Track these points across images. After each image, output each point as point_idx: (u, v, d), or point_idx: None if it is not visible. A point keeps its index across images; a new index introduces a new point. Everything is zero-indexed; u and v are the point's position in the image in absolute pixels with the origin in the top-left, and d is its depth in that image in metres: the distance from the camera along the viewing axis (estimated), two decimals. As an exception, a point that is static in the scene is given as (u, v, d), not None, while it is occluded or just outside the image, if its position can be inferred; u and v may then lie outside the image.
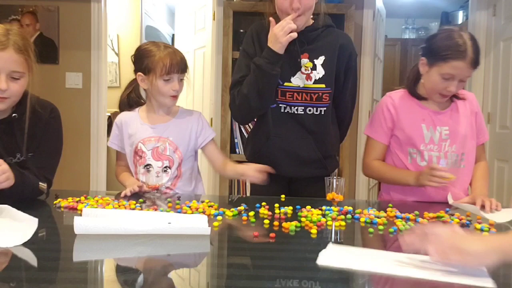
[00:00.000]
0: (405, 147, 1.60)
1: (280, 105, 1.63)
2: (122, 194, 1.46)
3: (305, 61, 1.60)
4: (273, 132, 1.64)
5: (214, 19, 3.19)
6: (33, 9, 3.34)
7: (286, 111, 1.63)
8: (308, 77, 1.60)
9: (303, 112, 1.62)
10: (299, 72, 1.60)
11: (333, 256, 0.87)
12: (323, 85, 1.60)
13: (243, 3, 2.98)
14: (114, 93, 4.38)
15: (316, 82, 1.60)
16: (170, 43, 5.57)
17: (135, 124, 1.64)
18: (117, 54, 4.67)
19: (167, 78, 1.54)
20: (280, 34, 1.47)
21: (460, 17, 4.96)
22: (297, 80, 1.60)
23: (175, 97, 1.59)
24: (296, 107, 1.62)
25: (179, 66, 1.55)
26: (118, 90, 4.60)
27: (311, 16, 1.62)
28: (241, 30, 2.96)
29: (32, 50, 1.29)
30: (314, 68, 1.60)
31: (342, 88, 1.69)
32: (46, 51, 3.30)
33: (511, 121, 2.93)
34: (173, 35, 5.25)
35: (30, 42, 1.30)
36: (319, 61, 1.61)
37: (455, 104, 1.61)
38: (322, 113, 1.63)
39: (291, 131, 1.64)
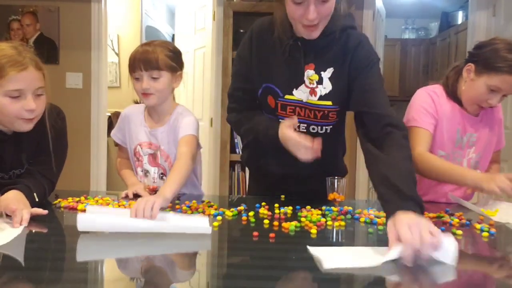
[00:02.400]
0: (436, 148, 1.56)
1: (280, 120, 1.36)
2: (123, 195, 1.46)
3: (310, 73, 1.32)
4: (271, 150, 1.43)
5: (214, 19, 3.19)
6: (33, 9, 3.34)
7: None
8: (313, 91, 1.33)
9: (305, 130, 1.37)
10: (303, 85, 1.33)
11: (335, 258, 0.87)
12: (330, 103, 1.33)
13: (243, 3, 2.98)
14: (114, 93, 4.39)
15: (321, 98, 1.33)
16: (170, 43, 5.57)
17: (137, 123, 1.60)
18: (117, 54, 4.68)
19: (137, 77, 1.49)
20: (300, 152, 1.22)
21: (460, 17, 4.97)
22: (300, 94, 1.34)
23: (146, 96, 1.50)
24: (298, 124, 1.35)
25: (143, 63, 1.46)
26: (118, 90, 4.61)
27: None
28: (241, 30, 2.96)
29: (43, 63, 1.27)
30: (320, 82, 1.32)
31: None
32: (46, 51, 3.30)
33: (511, 121, 2.93)
34: (173, 35, 5.25)
35: (36, 54, 1.28)
36: (327, 73, 1.32)
37: (485, 111, 1.58)
38: (328, 131, 1.39)
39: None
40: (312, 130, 1.38)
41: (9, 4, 3.34)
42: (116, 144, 1.71)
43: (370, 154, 1.19)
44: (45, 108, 1.29)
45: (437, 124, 1.55)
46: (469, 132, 1.57)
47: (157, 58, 1.46)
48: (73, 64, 3.37)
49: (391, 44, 5.38)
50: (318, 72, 1.33)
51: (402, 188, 1.00)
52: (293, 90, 1.35)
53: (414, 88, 6.32)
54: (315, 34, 1.24)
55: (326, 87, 1.33)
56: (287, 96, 1.35)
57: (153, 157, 1.57)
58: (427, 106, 1.55)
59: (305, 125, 1.38)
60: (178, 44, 3.88)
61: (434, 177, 1.50)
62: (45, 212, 1.14)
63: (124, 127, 1.64)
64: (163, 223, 1.04)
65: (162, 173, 1.57)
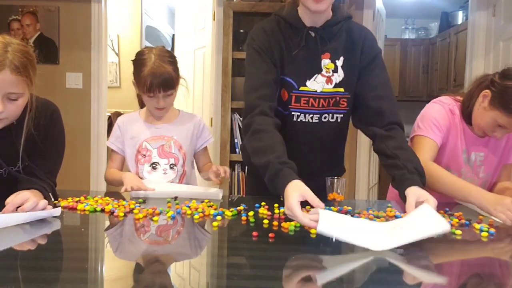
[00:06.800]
0: (444, 166, 1.54)
1: (293, 113, 1.42)
2: (123, 190, 1.47)
3: (326, 62, 1.39)
4: None
5: (214, 19, 3.19)
6: (33, 9, 3.34)
7: (299, 119, 1.43)
8: (329, 80, 1.39)
9: (318, 121, 1.43)
10: (319, 75, 1.39)
11: (331, 225, 0.96)
12: (342, 89, 1.41)
13: (243, 3, 2.98)
14: (114, 93, 4.40)
15: (335, 86, 1.41)
16: (170, 43, 5.57)
17: (138, 125, 1.67)
18: (117, 54, 4.68)
19: (151, 95, 1.56)
20: (291, 214, 1.05)
21: (460, 17, 4.97)
22: (314, 84, 1.39)
23: (161, 110, 1.62)
24: (311, 115, 1.42)
25: (160, 86, 1.53)
26: (118, 90, 4.61)
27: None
28: (241, 30, 2.96)
29: (33, 65, 1.24)
30: (335, 70, 1.40)
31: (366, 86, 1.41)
32: (46, 51, 3.31)
33: (511, 121, 2.93)
34: (173, 35, 5.25)
35: (31, 56, 1.24)
36: (340, 62, 1.41)
37: None
38: (339, 120, 1.45)
39: (302, 143, 1.45)
40: (323, 119, 1.44)
41: (9, 4, 3.34)
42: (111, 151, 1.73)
43: (380, 135, 1.35)
44: (33, 108, 1.28)
45: (446, 141, 1.53)
46: (475, 152, 1.55)
47: (172, 78, 1.55)
48: (73, 64, 3.38)
49: (391, 44, 5.38)
50: (333, 61, 1.40)
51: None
52: (307, 81, 1.39)
53: (414, 88, 6.33)
54: (322, 6, 1.29)
55: (340, 75, 1.40)
56: (301, 88, 1.39)
57: (163, 148, 1.64)
58: (441, 120, 1.51)
59: (318, 115, 1.43)
60: (178, 44, 3.89)
61: (438, 188, 1.45)
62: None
63: (123, 133, 1.68)
64: (185, 189, 1.50)
65: (173, 164, 1.63)
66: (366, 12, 3.25)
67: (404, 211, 1.28)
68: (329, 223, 0.96)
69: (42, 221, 1.12)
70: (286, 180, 1.11)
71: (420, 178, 1.20)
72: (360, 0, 3.22)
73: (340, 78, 1.40)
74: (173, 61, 1.59)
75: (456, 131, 1.54)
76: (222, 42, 2.98)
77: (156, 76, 1.51)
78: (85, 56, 3.36)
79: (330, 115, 1.44)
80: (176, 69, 1.58)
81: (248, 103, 1.34)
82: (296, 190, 1.06)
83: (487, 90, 1.44)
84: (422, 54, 5.53)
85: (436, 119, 1.52)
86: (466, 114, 1.52)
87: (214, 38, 3.18)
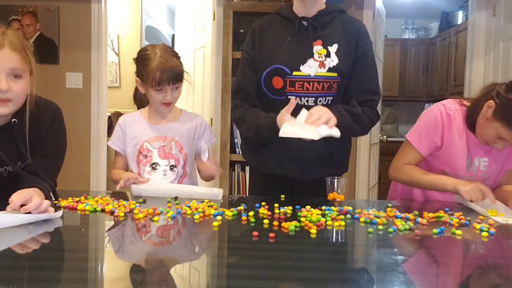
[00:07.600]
0: (441, 166, 1.57)
1: (289, 96, 1.50)
2: (118, 187, 1.48)
3: (318, 48, 1.50)
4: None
5: (214, 19, 3.19)
6: (33, 9, 3.34)
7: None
8: (322, 64, 1.49)
9: (314, 104, 1.50)
10: (311, 60, 1.49)
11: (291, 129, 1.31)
12: (335, 74, 1.50)
13: (243, 3, 2.98)
14: (114, 93, 4.39)
15: (330, 70, 1.49)
16: (170, 43, 5.57)
17: (140, 125, 1.66)
18: (117, 54, 4.68)
19: (159, 89, 1.55)
20: (283, 124, 1.37)
21: (460, 17, 4.97)
22: (307, 69, 1.49)
23: (168, 105, 1.61)
24: (306, 98, 1.50)
25: (170, 78, 1.53)
26: (118, 90, 4.61)
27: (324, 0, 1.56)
28: (241, 30, 2.96)
29: (31, 51, 1.26)
30: (328, 55, 1.50)
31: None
32: (46, 51, 3.30)
33: (511, 121, 2.93)
34: (173, 35, 5.25)
35: (28, 43, 1.27)
36: (333, 48, 1.51)
37: None
38: (329, 102, 1.52)
39: None
40: (318, 103, 1.51)
41: (9, 4, 3.34)
42: (116, 154, 1.72)
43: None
44: (32, 103, 1.28)
45: (442, 148, 1.55)
46: (478, 157, 1.54)
47: (181, 71, 1.57)
48: (73, 64, 3.37)
49: (391, 44, 5.38)
50: (325, 47, 1.51)
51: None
52: (300, 66, 1.49)
53: (414, 88, 6.32)
54: None
55: (333, 60, 1.50)
56: (295, 73, 1.50)
57: (164, 149, 1.63)
58: (433, 132, 1.54)
59: (313, 98, 1.51)
60: (178, 44, 3.89)
61: (420, 187, 1.62)
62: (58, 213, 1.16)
63: (124, 133, 1.68)
64: (185, 189, 1.51)
65: (173, 165, 1.62)
66: (366, 12, 3.24)
67: (404, 212, 1.29)
68: (287, 130, 1.32)
69: (42, 221, 1.12)
70: (271, 117, 1.43)
71: (345, 112, 1.45)
72: (360, 0, 3.22)
73: (334, 63, 1.50)
74: (177, 55, 1.61)
75: (453, 135, 1.53)
76: (222, 42, 2.98)
77: (165, 69, 1.52)
78: (85, 56, 3.36)
79: (323, 98, 1.52)
80: (181, 63, 1.60)
81: (232, 103, 1.65)
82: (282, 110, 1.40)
83: (491, 101, 1.43)
84: (422, 54, 5.53)
85: (427, 128, 1.56)
86: (471, 122, 1.51)
87: (214, 38, 3.18)
